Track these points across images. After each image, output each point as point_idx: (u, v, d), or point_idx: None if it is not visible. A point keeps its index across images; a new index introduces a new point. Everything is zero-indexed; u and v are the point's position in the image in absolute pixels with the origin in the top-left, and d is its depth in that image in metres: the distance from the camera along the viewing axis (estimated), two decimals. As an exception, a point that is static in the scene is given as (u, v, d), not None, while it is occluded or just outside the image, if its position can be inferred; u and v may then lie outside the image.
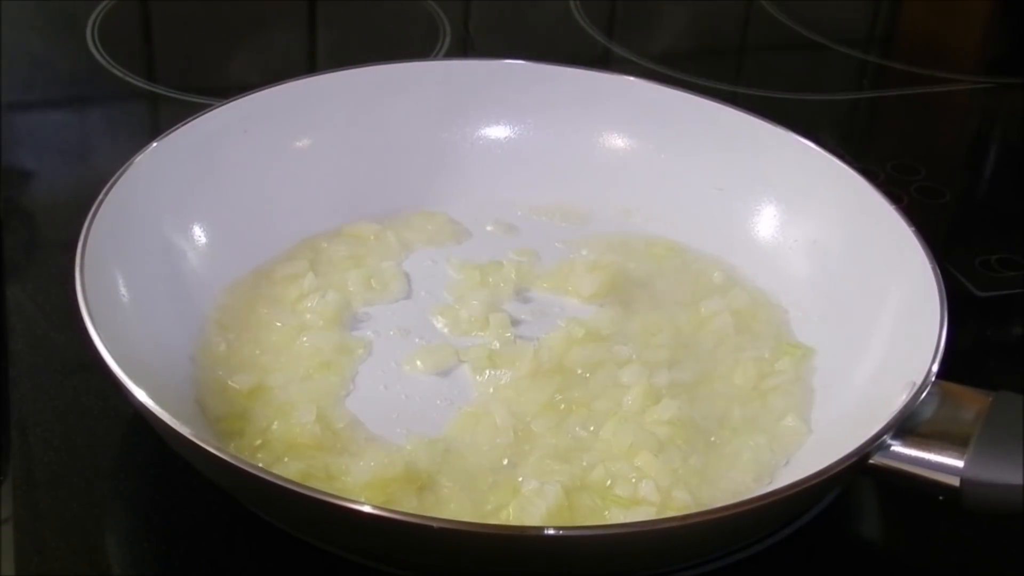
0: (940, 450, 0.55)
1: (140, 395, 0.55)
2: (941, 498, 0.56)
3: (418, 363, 0.68)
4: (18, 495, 0.62)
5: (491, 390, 0.66)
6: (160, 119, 0.98)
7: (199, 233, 0.72)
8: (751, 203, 0.78)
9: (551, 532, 0.53)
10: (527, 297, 0.74)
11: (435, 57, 1.03)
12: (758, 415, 0.66)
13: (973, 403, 0.57)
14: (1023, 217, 0.91)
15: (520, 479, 0.60)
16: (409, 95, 0.81)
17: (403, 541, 0.53)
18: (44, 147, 0.91)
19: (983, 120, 1.09)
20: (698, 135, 0.80)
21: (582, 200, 0.81)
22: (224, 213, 0.73)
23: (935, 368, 0.59)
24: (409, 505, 0.58)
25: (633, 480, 0.60)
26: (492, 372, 0.67)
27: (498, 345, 0.68)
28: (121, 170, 0.68)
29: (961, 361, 0.61)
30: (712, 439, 0.64)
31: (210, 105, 0.76)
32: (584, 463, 0.61)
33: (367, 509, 0.51)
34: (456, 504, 0.59)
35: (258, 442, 0.61)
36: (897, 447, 0.56)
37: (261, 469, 0.52)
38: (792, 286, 0.74)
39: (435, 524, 0.50)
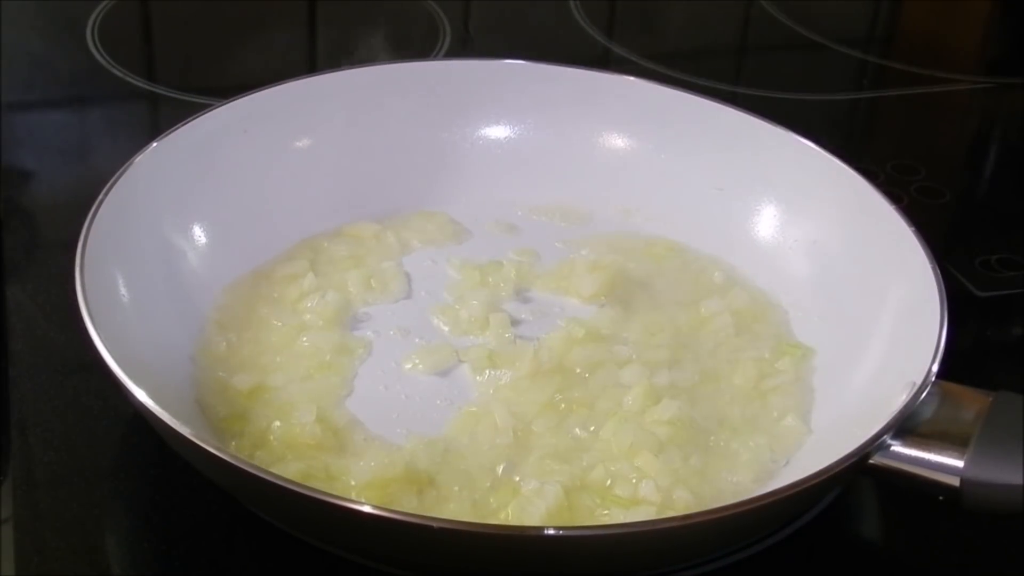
0: (940, 450, 0.55)
1: (140, 395, 0.55)
2: (941, 498, 0.56)
3: (418, 363, 0.68)
4: (18, 495, 0.62)
5: (491, 390, 0.66)
6: (160, 119, 0.98)
7: (199, 233, 0.72)
8: (751, 203, 0.78)
9: (551, 532, 0.53)
10: (527, 297, 0.74)
11: (435, 57, 1.03)
12: (758, 415, 0.66)
13: (973, 403, 0.57)
14: (1023, 217, 0.91)
15: (520, 479, 0.60)
16: (409, 95, 0.81)
17: (403, 541, 0.53)
18: (44, 147, 0.91)
19: (983, 120, 1.09)
20: (698, 135, 0.80)
21: (582, 200, 0.81)
22: (224, 213, 0.73)
23: (935, 368, 0.59)
24: (409, 505, 0.58)
25: (633, 480, 0.60)
26: (492, 372, 0.67)
27: (498, 345, 0.68)
28: (121, 170, 0.68)
29: (961, 361, 0.61)
30: (712, 439, 0.64)
31: (210, 105, 0.76)
32: (584, 463, 0.61)
33: (367, 509, 0.51)
34: (456, 504, 0.59)
35: (258, 442, 0.61)
36: (897, 447, 0.56)
37: (261, 469, 0.52)
38: (792, 286, 0.74)
39: (435, 524, 0.50)
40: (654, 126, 0.81)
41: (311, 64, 1.09)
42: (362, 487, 0.59)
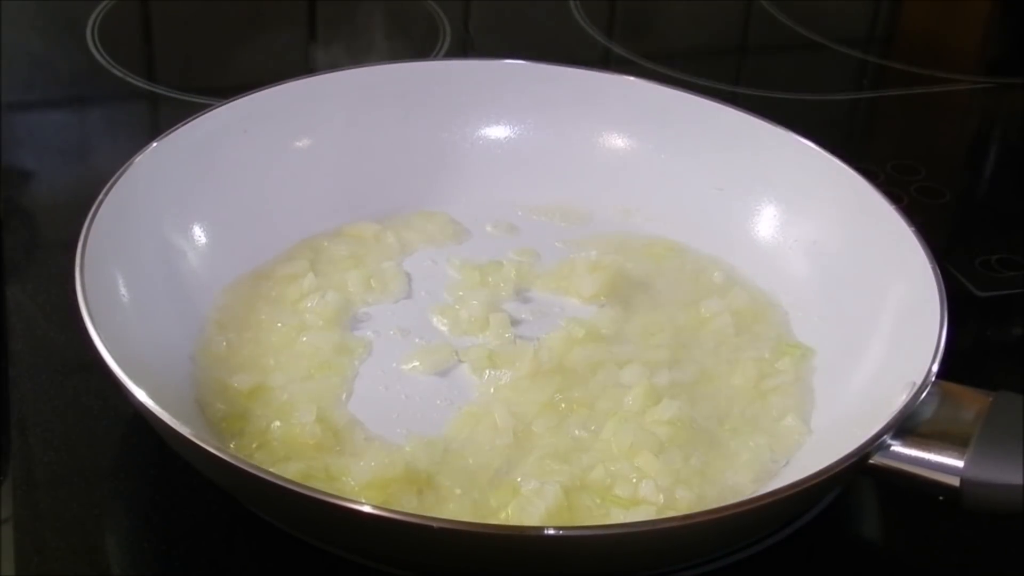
0: (940, 450, 0.55)
1: (140, 395, 0.55)
2: (941, 498, 0.56)
3: (418, 363, 0.68)
4: (18, 495, 0.62)
5: (491, 390, 0.66)
6: (160, 119, 0.98)
7: (199, 233, 0.72)
8: (751, 203, 0.78)
9: (551, 532, 0.53)
10: (527, 297, 0.74)
11: (435, 57, 1.03)
12: (758, 415, 0.66)
13: (973, 403, 0.57)
14: (1023, 217, 0.91)
15: (520, 479, 0.60)
16: (409, 95, 0.81)
17: (403, 541, 0.53)
18: (44, 147, 0.91)
19: (983, 120, 1.09)
20: (698, 135, 0.80)
21: (582, 200, 0.81)
22: (224, 213, 0.73)
23: (935, 368, 0.59)
24: (409, 505, 0.58)
25: (633, 480, 0.60)
26: (492, 372, 0.67)
27: (498, 345, 0.68)
28: (121, 170, 0.68)
29: (961, 361, 0.61)
30: (712, 439, 0.64)
31: (210, 105, 0.76)
32: (584, 463, 0.61)
33: (367, 509, 0.51)
34: (456, 504, 0.59)
35: (258, 442, 0.61)
36: (897, 447, 0.56)
37: (261, 469, 0.52)
38: (792, 286, 0.74)
39: (435, 524, 0.50)
40: (654, 126, 0.81)
41: (311, 64, 1.08)
42: (362, 487, 0.59)
